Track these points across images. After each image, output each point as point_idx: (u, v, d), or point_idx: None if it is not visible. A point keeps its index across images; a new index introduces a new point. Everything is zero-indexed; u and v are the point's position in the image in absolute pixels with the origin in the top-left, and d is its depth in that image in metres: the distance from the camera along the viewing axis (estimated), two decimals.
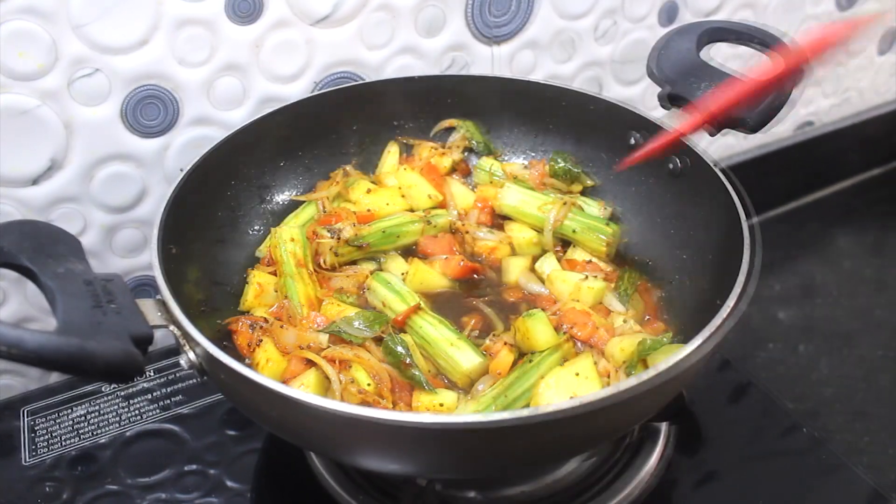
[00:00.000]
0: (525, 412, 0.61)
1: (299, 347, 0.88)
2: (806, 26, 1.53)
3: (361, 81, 1.16)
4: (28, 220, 0.73)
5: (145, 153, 1.07)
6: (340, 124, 1.13)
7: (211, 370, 0.72)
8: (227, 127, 1.07)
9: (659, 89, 1.00)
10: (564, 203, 1.04)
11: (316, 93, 1.13)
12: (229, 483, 0.98)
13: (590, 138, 1.11)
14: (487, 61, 1.25)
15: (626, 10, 1.31)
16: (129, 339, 0.63)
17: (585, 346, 0.90)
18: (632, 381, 0.64)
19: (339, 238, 1.00)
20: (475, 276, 1.02)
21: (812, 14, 1.52)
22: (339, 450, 0.73)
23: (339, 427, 0.65)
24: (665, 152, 0.91)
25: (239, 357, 0.89)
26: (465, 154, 1.17)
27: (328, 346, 0.88)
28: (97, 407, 1.08)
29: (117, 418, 1.06)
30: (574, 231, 1.03)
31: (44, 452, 1.02)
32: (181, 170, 0.93)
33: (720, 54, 1.46)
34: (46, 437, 1.04)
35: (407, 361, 0.85)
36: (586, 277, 0.97)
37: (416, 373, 0.84)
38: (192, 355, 0.73)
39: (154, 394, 1.09)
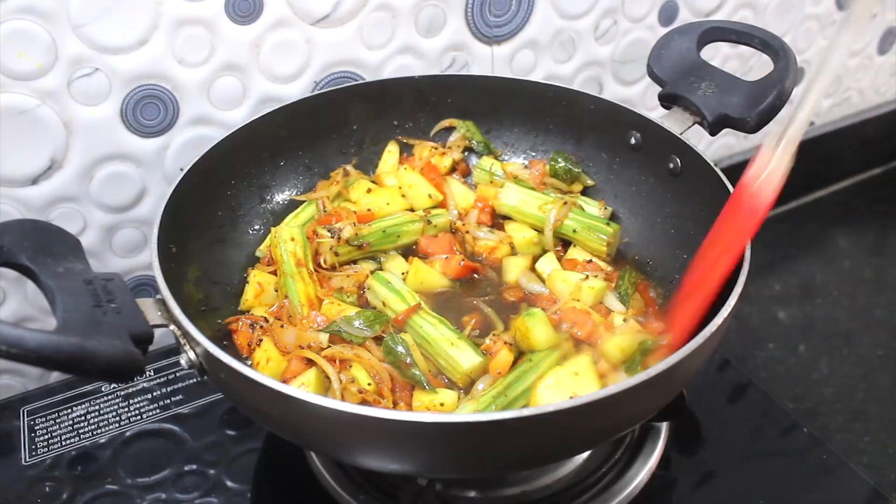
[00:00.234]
0: (525, 411, 0.61)
1: (299, 347, 0.88)
2: (805, 27, 1.54)
3: (361, 81, 1.16)
4: (28, 220, 0.73)
5: (145, 153, 1.07)
6: (340, 124, 1.13)
7: (211, 369, 0.72)
8: (226, 127, 1.07)
9: (659, 89, 1.01)
10: (565, 203, 1.04)
11: (316, 92, 1.13)
12: (229, 483, 0.98)
13: (590, 138, 1.11)
14: (487, 61, 1.25)
15: (626, 9, 1.31)
16: (129, 339, 0.63)
17: (586, 345, 0.90)
18: (631, 381, 0.64)
19: (338, 238, 1.00)
20: (475, 275, 1.02)
21: (811, 14, 1.53)
22: (339, 449, 0.73)
23: (340, 426, 0.65)
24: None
25: (239, 356, 0.89)
26: (465, 154, 1.17)
27: (328, 346, 0.88)
28: (97, 407, 1.08)
29: (117, 418, 1.06)
30: (574, 231, 1.03)
31: (43, 452, 1.02)
32: (181, 169, 0.93)
33: (720, 54, 1.47)
34: (46, 436, 1.04)
35: (407, 361, 0.85)
36: (587, 277, 0.96)
37: (416, 372, 0.84)
38: (192, 355, 0.73)
39: (153, 393, 1.09)
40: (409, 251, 1.05)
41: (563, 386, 0.82)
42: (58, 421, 1.06)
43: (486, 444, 0.66)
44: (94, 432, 1.04)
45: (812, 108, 0.79)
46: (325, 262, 0.99)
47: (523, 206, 1.06)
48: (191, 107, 1.07)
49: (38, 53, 0.94)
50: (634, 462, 0.96)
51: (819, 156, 1.73)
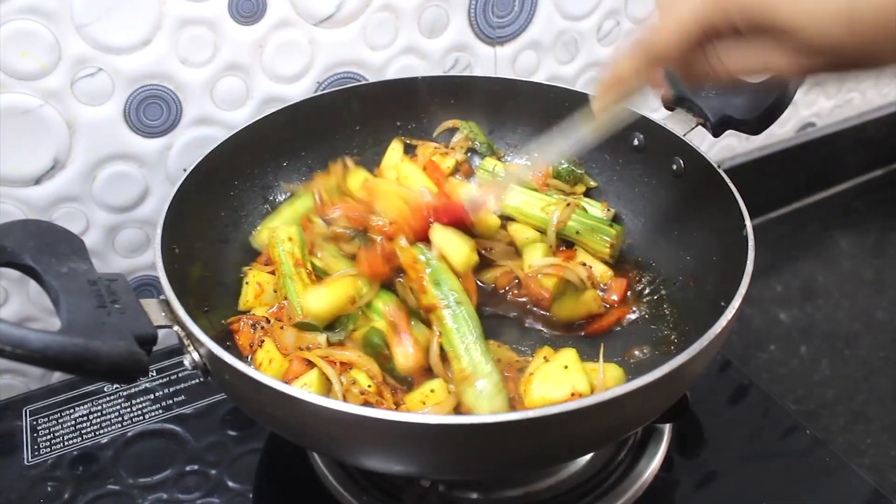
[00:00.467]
0: (531, 413, 0.61)
1: (298, 348, 0.88)
2: None
3: (364, 82, 1.16)
4: (31, 220, 0.73)
5: (148, 153, 1.07)
6: (343, 125, 1.13)
7: (214, 370, 0.72)
8: (229, 127, 1.07)
9: (662, 90, 1.01)
10: (568, 204, 1.04)
11: (319, 93, 1.13)
12: (230, 483, 0.98)
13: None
14: (490, 62, 1.25)
15: (629, 10, 1.31)
16: (134, 340, 0.63)
17: None
18: (636, 383, 0.64)
19: (331, 225, 1.01)
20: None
21: None
22: (343, 450, 0.73)
23: (344, 427, 0.65)
24: None
25: (241, 357, 0.89)
26: (468, 155, 1.17)
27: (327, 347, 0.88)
28: (99, 407, 1.08)
29: (119, 418, 1.06)
30: (577, 232, 1.03)
31: (45, 452, 1.02)
32: (184, 170, 0.93)
33: None
34: (48, 436, 1.04)
35: (385, 353, 0.85)
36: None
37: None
38: (195, 356, 0.73)
39: (156, 394, 1.09)
40: None
41: (554, 380, 0.82)
42: (60, 421, 1.06)
43: (490, 445, 0.66)
44: (97, 432, 1.04)
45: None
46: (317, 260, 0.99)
47: (526, 207, 1.06)
48: (194, 107, 1.07)
49: (42, 53, 0.94)
50: (637, 463, 0.96)
51: (820, 157, 1.73)
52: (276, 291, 0.96)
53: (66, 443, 1.03)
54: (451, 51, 1.21)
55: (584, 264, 1.01)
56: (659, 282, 1.01)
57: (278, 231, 0.99)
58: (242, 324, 0.91)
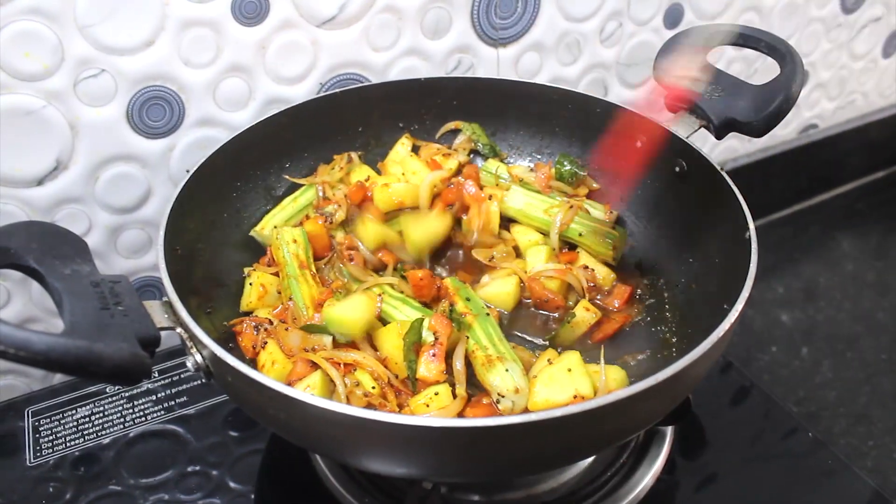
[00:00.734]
0: (534, 416, 0.61)
1: (303, 350, 0.88)
2: (810, 30, 1.54)
3: (367, 83, 1.16)
4: (35, 222, 0.73)
5: (150, 154, 1.07)
6: (346, 126, 1.13)
7: (217, 372, 0.72)
8: (232, 128, 1.08)
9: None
10: (571, 206, 1.03)
11: (321, 94, 1.13)
12: (232, 484, 0.98)
13: (595, 141, 1.11)
14: (493, 63, 1.25)
15: (632, 12, 1.31)
16: (137, 341, 0.63)
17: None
18: (639, 386, 0.64)
19: (331, 221, 1.01)
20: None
21: (816, 17, 1.53)
22: (346, 452, 0.73)
23: (346, 430, 0.65)
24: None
25: (243, 359, 0.89)
26: (471, 156, 1.17)
27: (332, 348, 0.88)
28: (101, 408, 1.08)
29: (121, 419, 1.06)
30: (580, 234, 1.02)
31: (47, 453, 1.02)
32: (187, 171, 0.93)
33: (724, 57, 1.47)
34: (50, 437, 1.04)
35: (418, 345, 0.85)
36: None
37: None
38: (198, 357, 0.73)
39: (158, 395, 1.09)
40: None
41: (558, 383, 0.82)
42: (62, 422, 1.06)
43: (493, 448, 0.66)
44: (99, 433, 1.04)
45: None
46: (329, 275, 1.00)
47: (529, 209, 1.06)
48: (197, 108, 1.07)
49: (45, 54, 0.94)
50: (640, 466, 0.96)
51: (823, 159, 1.73)
52: (279, 293, 0.96)
53: (68, 443, 1.03)
54: (454, 52, 1.21)
55: (587, 267, 1.01)
56: (661, 284, 1.01)
57: (283, 232, 0.99)
58: (245, 325, 0.91)
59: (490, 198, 1.07)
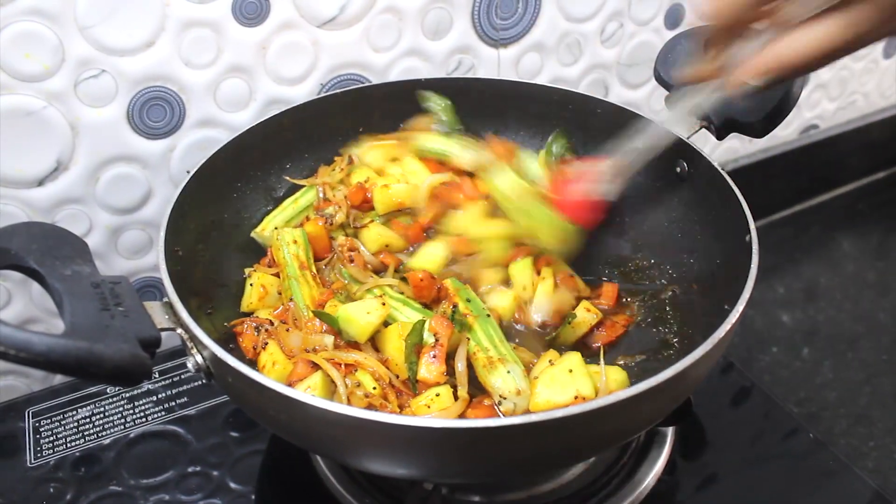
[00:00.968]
0: (535, 417, 0.61)
1: (304, 350, 0.88)
2: None
3: (368, 83, 1.16)
4: (35, 222, 0.73)
5: (151, 155, 1.07)
6: (346, 126, 1.13)
7: (218, 373, 0.72)
8: (232, 129, 1.08)
9: (665, 92, 1.01)
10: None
11: (322, 95, 1.13)
12: (232, 485, 0.98)
13: (595, 141, 1.11)
14: (493, 64, 1.25)
15: (633, 12, 1.31)
16: (137, 342, 0.63)
17: None
18: (640, 387, 0.64)
19: (331, 223, 1.01)
20: None
21: None
22: (347, 453, 0.73)
23: (347, 431, 0.65)
24: None
25: (244, 359, 0.89)
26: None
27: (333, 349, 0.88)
28: (102, 408, 1.08)
29: (122, 420, 1.06)
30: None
31: (48, 453, 1.02)
32: (187, 172, 0.93)
33: None
34: (51, 438, 1.04)
35: (419, 346, 0.85)
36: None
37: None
38: (198, 358, 0.73)
39: (158, 395, 1.09)
40: None
41: (559, 384, 0.82)
42: (62, 422, 1.06)
43: (494, 449, 0.66)
44: (99, 434, 1.04)
45: None
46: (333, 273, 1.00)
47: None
48: (197, 108, 1.07)
49: (45, 55, 0.94)
50: (640, 467, 0.96)
51: (823, 159, 1.73)
52: (280, 294, 0.96)
53: (68, 444, 1.03)
54: (455, 53, 1.21)
55: (572, 275, 1.01)
56: (662, 285, 1.01)
57: (283, 233, 0.99)
58: (246, 326, 0.91)
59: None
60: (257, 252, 1.04)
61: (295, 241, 0.98)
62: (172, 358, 1.15)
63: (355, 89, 1.12)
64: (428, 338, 0.86)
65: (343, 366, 0.85)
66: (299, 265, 0.96)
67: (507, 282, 1.01)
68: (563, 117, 1.12)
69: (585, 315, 0.95)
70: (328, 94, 1.12)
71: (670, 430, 1.00)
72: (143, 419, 1.06)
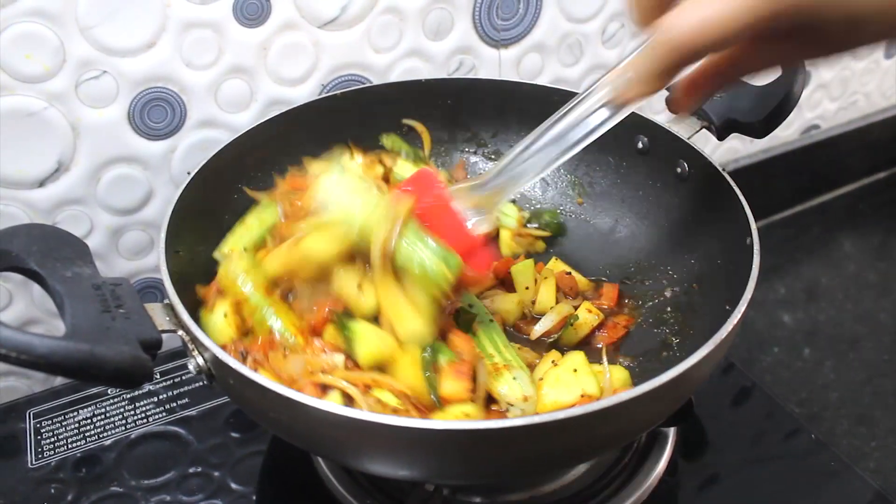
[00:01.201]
0: (538, 418, 0.61)
1: (311, 373, 0.78)
2: None
3: (368, 84, 1.16)
4: (36, 224, 0.73)
5: (152, 155, 1.07)
6: (347, 127, 1.12)
7: (219, 375, 0.72)
8: (233, 129, 1.07)
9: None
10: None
11: (323, 95, 1.13)
12: (233, 485, 0.98)
13: (596, 142, 1.11)
14: (494, 64, 1.25)
15: None
16: (139, 345, 0.63)
17: None
18: (642, 388, 0.64)
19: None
20: None
21: None
22: (348, 455, 0.73)
23: (349, 432, 0.65)
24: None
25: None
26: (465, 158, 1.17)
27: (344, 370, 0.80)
28: (102, 409, 1.08)
29: (123, 421, 1.06)
30: None
31: (49, 455, 1.02)
32: (188, 173, 0.93)
33: None
34: (52, 439, 1.04)
35: (437, 366, 0.78)
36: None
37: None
38: (199, 360, 0.72)
39: (159, 396, 1.09)
40: None
41: (565, 384, 0.82)
42: (63, 423, 1.06)
43: (496, 450, 0.66)
44: (100, 435, 1.04)
45: None
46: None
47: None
48: (198, 109, 1.07)
49: (46, 56, 0.94)
50: (642, 467, 0.96)
51: (824, 160, 1.73)
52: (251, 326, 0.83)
53: (69, 445, 1.03)
54: (456, 53, 1.21)
55: (569, 273, 1.01)
56: (663, 285, 1.01)
57: (229, 264, 0.86)
58: (231, 351, 0.78)
59: None
60: None
61: (245, 272, 0.85)
62: (173, 359, 1.15)
63: (356, 90, 1.12)
64: (440, 359, 0.80)
65: (361, 385, 0.77)
66: (264, 291, 0.83)
67: (506, 284, 1.01)
68: None
69: (587, 316, 0.95)
70: (329, 94, 1.12)
71: (671, 431, 1.00)
72: (144, 420, 1.06)
